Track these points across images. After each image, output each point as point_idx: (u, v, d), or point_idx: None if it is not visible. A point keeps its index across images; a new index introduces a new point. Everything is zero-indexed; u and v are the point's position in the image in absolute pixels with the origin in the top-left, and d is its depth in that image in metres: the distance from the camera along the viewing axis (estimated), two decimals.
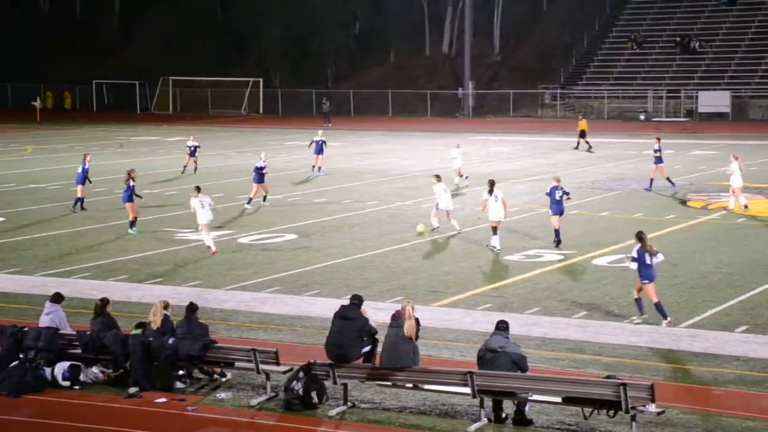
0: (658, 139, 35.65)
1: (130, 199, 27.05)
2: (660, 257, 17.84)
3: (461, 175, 36.58)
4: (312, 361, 14.34)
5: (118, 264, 23.12)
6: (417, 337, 13.96)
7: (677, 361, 16.03)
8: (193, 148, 39.34)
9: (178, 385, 14.84)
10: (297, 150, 50.75)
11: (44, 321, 15.69)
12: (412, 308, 14.01)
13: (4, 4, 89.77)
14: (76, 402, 14.26)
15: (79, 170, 31.28)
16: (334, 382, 14.12)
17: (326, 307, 18.47)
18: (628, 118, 68.63)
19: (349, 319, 14.32)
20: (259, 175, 31.80)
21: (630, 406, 12.60)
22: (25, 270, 22.38)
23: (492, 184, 25.01)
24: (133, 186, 27.05)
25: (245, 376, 15.10)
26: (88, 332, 15.37)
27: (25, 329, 15.47)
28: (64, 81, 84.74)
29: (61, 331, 15.58)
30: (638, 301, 18.04)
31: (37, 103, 73.11)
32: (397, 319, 13.95)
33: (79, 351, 15.27)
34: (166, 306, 15.40)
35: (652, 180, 35.09)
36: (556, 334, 17.39)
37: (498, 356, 13.44)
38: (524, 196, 33.93)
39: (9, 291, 20.48)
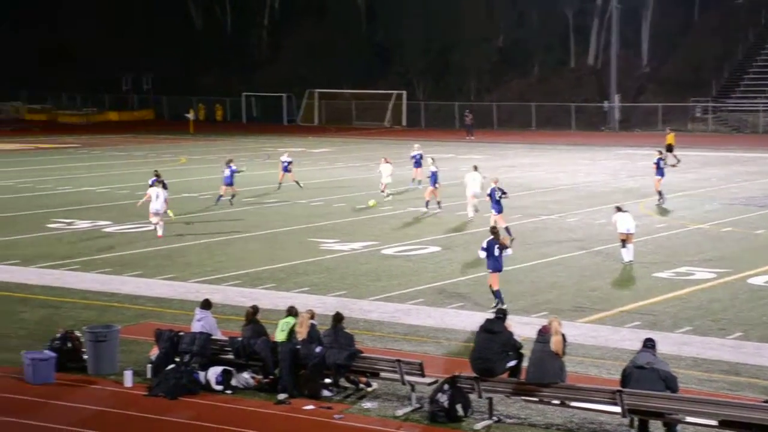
0: None
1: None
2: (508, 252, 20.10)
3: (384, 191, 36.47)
4: (457, 373, 14.38)
5: (266, 273, 23.68)
6: (564, 353, 13.83)
7: None
8: (286, 164, 39.18)
9: (325, 393, 15.10)
10: (440, 163, 50.84)
11: (196, 327, 16.22)
12: (559, 324, 13.89)
13: (161, 22, 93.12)
14: (229, 406, 14.67)
15: (227, 173, 34.27)
16: (479, 396, 14.11)
17: (470, 320, 18.51)
18: None
19: (495, 332, 14.29)
20: (434, 178, 33.62)
21: None
22: (180, 276, 23.16)
23: (619, 208, 25.00)
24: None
25: (390, 387, 15.25)
26: (240, 338, 15.81)
27: (181, 334, 16.03)
28: (215, 93, 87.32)
29: (213, 337, 16.08)
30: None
31: (190, 115, 75.57)
32: (544, 334, 13.86)
33: (230, 356, 15.72)
34: (312, 315, 15.70)
35: None
36: (708, 354, 16.93)
37: (645, 373, 13.17)
38: (674, 212, 33.16)
39: (165, 296, 21.23)
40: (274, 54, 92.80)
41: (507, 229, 27.26)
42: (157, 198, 28.15)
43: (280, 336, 15.50)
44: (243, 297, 20.90)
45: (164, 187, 28.81)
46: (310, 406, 14.59)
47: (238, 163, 37.04)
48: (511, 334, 14.43)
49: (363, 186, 40.70)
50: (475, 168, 32.96)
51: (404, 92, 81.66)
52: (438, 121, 79.17)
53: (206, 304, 16.55)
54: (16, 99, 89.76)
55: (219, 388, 15.24)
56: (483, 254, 19.99)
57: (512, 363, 14.27)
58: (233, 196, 35.15)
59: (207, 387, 15.26)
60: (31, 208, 33.54)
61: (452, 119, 78.60)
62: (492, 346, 14.15)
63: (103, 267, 23.98)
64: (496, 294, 20.02)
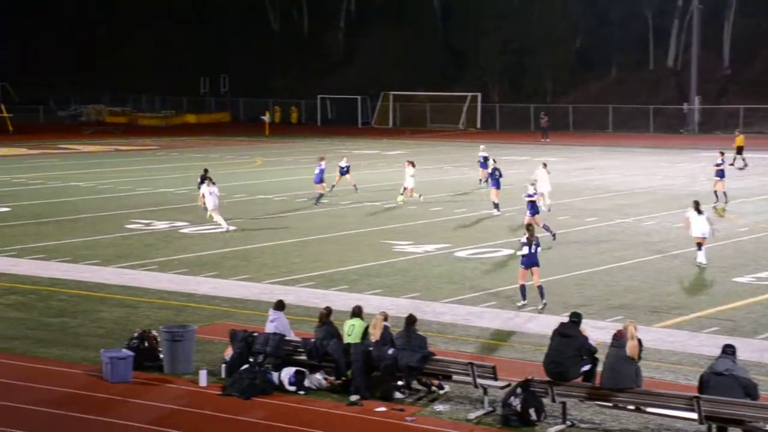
0: None
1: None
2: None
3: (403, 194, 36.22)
4: (530, 377, 14.27)
5: (339, 274, 23.77)
6: (639, 358, 13.64)
7: None
8: (344, 169, 38.86)
9: (397, 395, 15.10)
10: (515, 165, 50.66)
11: (269, 327, 16.35)
12: (635, 328, 13.71)
13: (239, 25, 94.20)
14: (301, 407, 14.76)
15: (317, 171, 35.53)
16: (553, 400, 13.99)
17: (544, 324, 18.37)
18: None
19: (569, 336, 14.16)
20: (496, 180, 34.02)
21: None
22: (254, 277, 23.37)
23: (697, 204, 24.74)
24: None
25: (463, 390, 15.19)
26: (313, 339, 15.89)
27: (255, 334, 16.17)
28: (291, 96, 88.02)
29: (286, 338, 16.19)
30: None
31: (266, 117, 76.28)
32: (619, 338, 13.68)
33: (303, 357, 15.81)
34: (385, 317, 15.71)
35: None
36: None
37: (724, 380, 12.92)
38: (754, 216, 32.49)
39: (239, 297, 21.44)
40: (350, 56, 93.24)
41: (546, 227, 27.69)
42: (211, 194, 29.51)
43: (346, 338, 15.53)
44: (316, 298, 21.02)
45: (213, 183, 30.11)
46: (382, 408, 14.61)
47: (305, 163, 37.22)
48: (585, 338, 14.28)
49: (436, 188, 40.65)
50: (545, 165, 33.74)
51: (479, 94, 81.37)
52: (513, 123, 78.70)
53: (280, 305, 16.67)
54: (98, 102, 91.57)
55: (292, 388, 15.34)
56: (526, 249, 20.42)
57: (586, 367, 14.12)
58: (321, 195, 35.56)
59: (280, 387, 15.37)
60: (111, 209, 34.18)
61: (527, 121, 78.07)
62: (566, 350, 14.02)
63: (179, 267, 24.32)
64: (523, 288, 20.51)
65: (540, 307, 20.22)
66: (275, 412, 14.55)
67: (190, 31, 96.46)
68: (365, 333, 15.59)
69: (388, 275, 23.66)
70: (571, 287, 22.39)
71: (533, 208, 28.02)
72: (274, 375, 15.52)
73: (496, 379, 14.53)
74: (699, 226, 24.20)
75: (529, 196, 28.52)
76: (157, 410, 14.58)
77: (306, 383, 15.44)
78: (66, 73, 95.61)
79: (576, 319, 14.53)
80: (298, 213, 33.94)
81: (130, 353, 16.01)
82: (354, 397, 14.96)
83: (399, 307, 19.90)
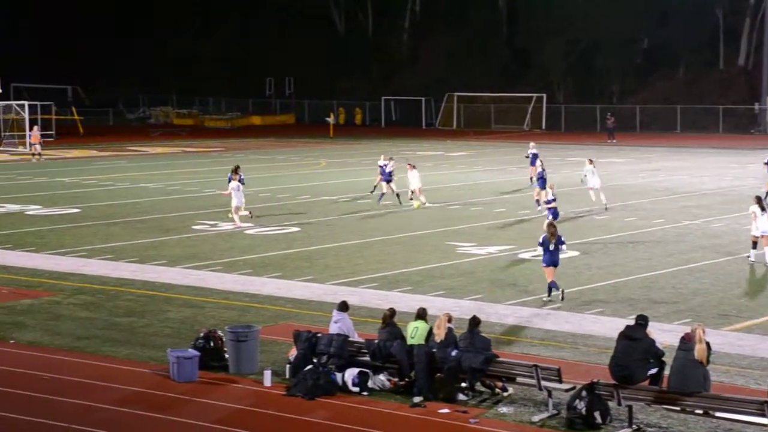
0: None
1: None
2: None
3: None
4: (595, 380, 14.12)
5: (403, 275, 23.76)
6: (708, 361, 13.42)
7: None
8: (384, 168, 37.93)
9: (461, 397, 15.05)
10: (578, 166, 50.22)
11: (333, 328, 16.40)
12: (703, 331, 13.50)
13: (304, 28, 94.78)
14: (365, 408, 14.77)
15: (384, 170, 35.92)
16: (619, 404, 13.83)
17: (609, 327, 18.17)
18: None
19: (635, 339, 13.99)
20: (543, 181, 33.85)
21: None
22: (318, 278, 23.48)
23: (759, 199, 25.27)
24: None
25: (527, 392, 15.08)
26: (376, 341, 15.91)
27: (318, 335, 16.23)
28: (355, 97, 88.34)
29: (350, 339, 16.23)
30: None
31: (331, 119, 76.64)
32: (687, 342, 13.48)
33: (367, 358, 15.83)
34: (449, 319, 15.68)
35: None
36: None
37: None
38: None
39: (303, 298, 21.55)
40: (415, 57, 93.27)
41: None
42: (238, 189, 30.51)
43: (410, 339, 15.52)
44: (380, 299, 21.03)
45: (241, 182, 31.13)
46: (446, 410, 14.57)
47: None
48: (652, 341, 14.10)
49: (500, 189, 40.46)
50: (591, 161, 34.71)
51: (544, 95, 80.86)
52: (578, 124, 78.06)
53: (343, 306, 16.72)
54: (166, 104, 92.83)
55: (355, 389, 15.37)
56: (540, 249, 21.13)
57: (653, 370, 13.94)
58: (383, 194, 35.68)
59: (344, 388, 15.40)
60: (178, 210, 34.60)
61: (593, 122, 77.36)
62: (632, 353, 13.86)
63: (244, 268, 24.51)
64: (551, 284, 20.91)
65: (545, 298, 20.90)
66: (339, 412, 14.59)
67: (255, 34, 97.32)
68: (429, 335, 15.57)
69: (452, 277, 23.60)
70: (638, 289, 22.11)
71: (554, 214, 27.98)
72: (338, 376, 15.56)
73: (560, 381, 14.40)
74: (762, 223, 23.92)
75: (548, 202, 28.62)
76: (222, 410, 14.71)
77: (369, 384, 15.46)
78: (135, 76, 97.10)
79: (642, 321, 14.34)
80: (362, 214, 34.02)
81: (196, 353, 16.16)
82: (417, 399, 14.94)
83: (462, 308, 19.84)
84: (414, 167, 36.02)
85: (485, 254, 26.41)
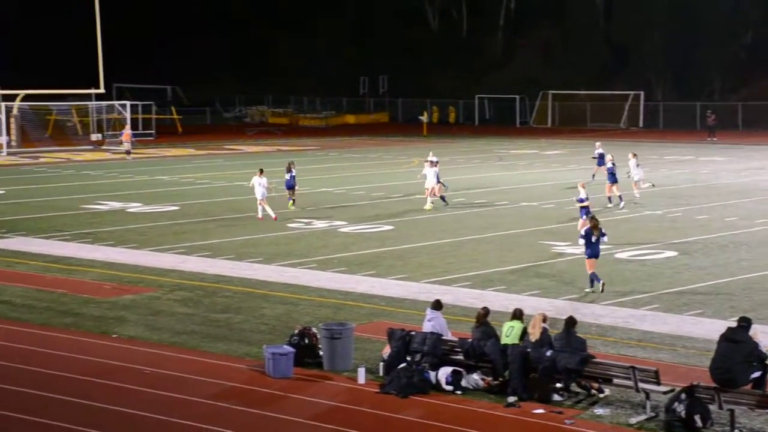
0: None
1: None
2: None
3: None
4: (695, 383, 13.83)
5: (496, 275, 23.63)
6: None
7: None
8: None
9: (556, 397, 14.90)
10: (676, 165, 49.37)
11: (427, 327, 16.40)
12: None
13: (398, 26, 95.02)
14: (458, 407, 14.74)
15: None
16: (720, 407, 13.53)
17: (709, 329, 17.81)
18: None
19: (737, 342, 13.67)
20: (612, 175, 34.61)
21: None
22: (412, 276, 23.49)
23: None
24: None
25: (623, 394, 14.86)
26: (470, 340, 15.86)
27: (412, 333, 16.25)
28: (449, 96, 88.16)
29: (443, 337, 16.21)
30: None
31: (424, 117, 76.62)
32: None
33: (460, 357, 15.79)
34: (544, 319, 15.54)
35: None
36: None
37: None
38: None
39: (396, 296, 21.59)
40: (509, 55, 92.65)
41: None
42: (260, 185, 31.92)
43: (504, 339, 15.43)
44: (473, 298, 20.96)
45: (261, 174, 32.44)
46: (540, 410, 14.45)
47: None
48: (756, 344, 13.78)
49: (595, 190, 39.94)
50: (634, 155, 36.32)
51: (642, 92, 79.51)
52: (677, 122, 76.49)
53: (437, 305, 16.71)
54: (261, 103, 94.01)
55: (449, 388, 15.34)
56: (582, 241, 21.65)
57: (757, 374, 13.62)
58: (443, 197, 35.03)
59: (437, 387, 15.39)
60: (273, 209, 34.96)
61: (693, 120, 75.77)
62: (734, 355, 13.55)
63: (338, 266, 24.68)
64: (593, 276, 21.50)
65: (587, 289, 21.48)
66: (432, 411, 14.58)
67: (349, 33, 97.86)
68: (523, 334, 15.47)
69: (546, 276, 23.38)
70: (739, 291, 21.61)
71: (586, 212, 27.40)
72: (431, 374, 15.55)
73: (659, 383, 14.16)
74: None
75: (581, 201, 28.01)
76: (316, 406, 14.84)
77: (463, 383, 15.42)
78: (231, 76, 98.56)
79: (745, 323, 14.02)
80: (455, 213, 33.92)
81: (291, 350, 16.33)
82: (511, 399, 14.84)
83: (557, 308, 19.65)
84: (434, 165, 34.86)
85: (580, 254, 26.01)
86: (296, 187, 35.03)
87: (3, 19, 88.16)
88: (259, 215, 31.90)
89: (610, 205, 34.15)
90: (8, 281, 23.02)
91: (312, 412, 14.53)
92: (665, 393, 14.05)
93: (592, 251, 21.52)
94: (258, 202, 32.11)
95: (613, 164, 35.18)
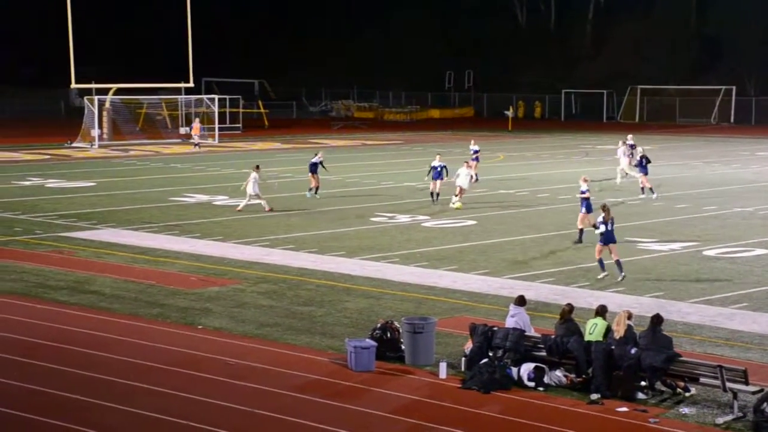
0: None
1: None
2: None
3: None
4: None
5: (580, 271, 23.38)
6: None
7: None
8: (438, 170, 35.06)
9: (640, 395, 14.70)
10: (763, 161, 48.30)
11: (510, 323, 16.30)
12: None
13: (486, 20, 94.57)
14: (540, 403, 14.63)
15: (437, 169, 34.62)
16: None
17: None
18: None
19: None
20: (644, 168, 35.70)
21: None
22: (494, 272, 23.38)
23: None
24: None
25: (710, 393, 14.59)
26: (553, 336, 15.72)
27: (494, 329, 16.17)
28: (536, 90, 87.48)
29: (526, 333, 16.09)
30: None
31: (509, 112, 76.18)
32: None
33: (543, 354, 15.66)
34: (629, 316, 15.33)
35: None
36: None
37: None
38: None
39: (479, 291, 21.50)
40: (598, 49, 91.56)
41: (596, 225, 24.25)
42: (254, 181, 32.62)
43: (588, 336, 15.25)
44: (556, 295, 20.77)
45: (257, 169, 33.15)
46: (624, 408, 14.26)
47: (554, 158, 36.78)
48: None
49: (681, 185, 39.22)
50: (625, 142, 38.06)
51: (733, 87, 77.83)
52: None
53: (521, 301, 16.60)
54: (347, 97, 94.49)
55: (531, 384, 15.24)
56: (603, 227, 22.14)
57: None
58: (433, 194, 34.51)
59: (519, 383, 15.30)
60: (357, 203, 35.14)
61: None
62: None
63: (420, 260, 24.67)
64: (615, 263, 22.05)
65: (619, 279, 21.74)
66: (514, 407, 14.50)
67: (437, 26, 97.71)
68: (607, 331, 15.29)
69: (632, 273, 23.01)
70: None
71: (587, 206, 27.08)
72: (513, 370, 15.46)
73: (747, 383, 13.86)
74: None
75: (582, 192, 27.45)
76: (398, 400, 14.86)
77: (545, 380, 15.30)
78: (318, 69, 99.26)
79: None
80: (540, 209, 33.65)
81: (374, 343, 16.37)
82: (595, 396, 14.68)
83: (642, 305, 19.37)
84: (470, 165, 35.01)
85: (667, 251, 25.68)
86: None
87: (99, 15, 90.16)
88: (240, 207, 32.57)
89: (642, 196, 35.18)
90: (98, 272, 23.55)
91: (393, 406, 14.56)
92: (753, 393, 13.76)
93: (607, 238, 22.15)
94: (250, 196, 32.59)
95: (643, 157, 36.14)
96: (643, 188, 35.83)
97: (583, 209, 27.20)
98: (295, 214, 32.56)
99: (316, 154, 36.94)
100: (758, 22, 78.70)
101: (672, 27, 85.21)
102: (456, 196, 33.63)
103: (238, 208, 32.68)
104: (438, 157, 35.97)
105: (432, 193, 34.74)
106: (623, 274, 21.90)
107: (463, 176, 33.75)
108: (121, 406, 14.48)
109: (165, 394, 15.01)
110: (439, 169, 34.68)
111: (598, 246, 22.35)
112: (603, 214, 22.30)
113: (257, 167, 33.51)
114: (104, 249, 26.44)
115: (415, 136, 68.09)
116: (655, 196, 35.10)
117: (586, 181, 28.05)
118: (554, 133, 70.40)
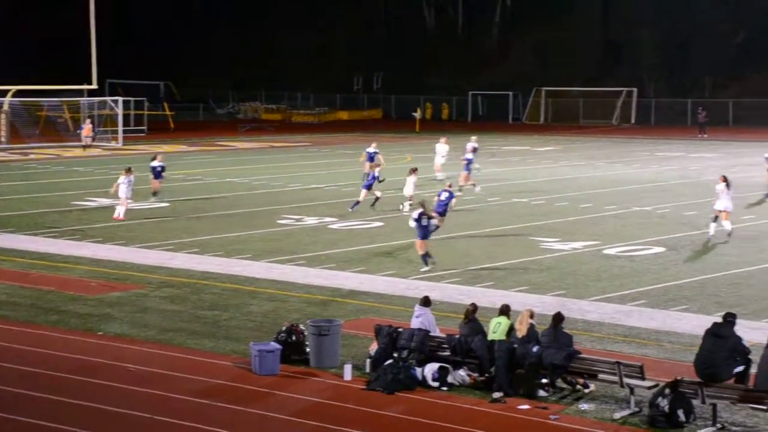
0: None
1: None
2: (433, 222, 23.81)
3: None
4: (679, 378, 13.86)
5: (485, 271, 23.64)
6: None
7: None
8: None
9: (541, 393, 14.92)
10: (666, 161, 49.50)
11: (415, 323, 16.39)
12: None
13: (394, 23, 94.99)
14: (444, 403, 14.74)
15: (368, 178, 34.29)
16: (703, 402, 13.56)
17: (695, 324, 17.89)
18: None
19: (722, 337, 13.71)
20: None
21: None
22: (400, 273, 23.48)
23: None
24: None
25: (608, 389, 14.89)
26: (457, 336, 15.86)
27: (400, 330, 16.24)
28: (443, 93, 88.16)
29: (431, 334, 16.20)
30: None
31: (417, 114, 76.60)
32: None
33: (447, 353, 15.79)
34: (532, 315, 15.55)
35: None
36: None
37: None
38: None
39: (385, 292, 21.58)
40: (504, 52, 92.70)
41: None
42: (127, 183, 31.69)
43: (491, 335, 15.44)
44: (461, 295, 20.96)
45: (131, 174, 32.18)
46: (526, 406, 14.46)
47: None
48: (739, 338, 13.81)
49: (587, 185, 39.95)
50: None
51: (635, 89, 79.65)
52: (669, 118, 76.77)
53: (426, 301, 16.72)
54: (254, 100, 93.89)
55: (435, 384, 15.35)
56: (413, 224, 23.54)
57: (740, 368, 13.65)
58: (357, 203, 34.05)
59: (423, 383, 15.39)
60: (264, 205, 34.95)
61: (684, 117, 75.95)
62: (719, 350, 13.60)
63: (327, 263, 24.65)
64: (423, 257, 23.32)
65: (426, 269, 23.15)
66: (417, 407, 14.58)
67: (344, 29, 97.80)
68: (510, 330, 15.48)
69: (535, 272, 23.40)
70: (726, 286, 21.67)
71: (446, 203, 27.07)
72: (418, 370, 15.55)
73: (643, 378, 14.19)
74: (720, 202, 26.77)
75: (439, 200, 27.21)
76: (301, 403, 14.82)
77: (449, 379, 15.43)
78: (224, 72, 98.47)
79: (731, 319, 14.06)
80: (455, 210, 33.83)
81: (278, 346, 16.30)
82: (497, 394, 14.85)
83: (545, 304, 19.66)
84: (414, 172, 33.75)
85: (569, 250, 26.13)
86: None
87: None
88: (121, 215, 31.30)
89: (459, 193, 34.49)
90: None
91: (296, 409, 14.53)
92: (650, 388, 14.08)
93: (423, 233, 23.38)
94: (122, 201, 31.55)
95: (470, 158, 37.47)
96: (461, 187, 36.07)
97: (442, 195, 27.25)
98: (201, 218, 32.20)
99: (154, 158, 36.27)
100: (656, 27, 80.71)
101: (576, 31, 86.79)
102: (408, 202, 33.01)
103: (119, 216, 31.29)
104: (374, 144, 39.38)
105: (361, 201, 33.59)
106: (428, 269, 23.17)
107: (409, 185, 33.59)
108: (17, 417, 14.08)
109: (64, 403, 14.68)
110: (372, 154, 37.70)
111: (418, 241, 23.58)
112: (421, 210, 23.47)
113: (129, 170, 32.33)
114: (0, 255, 25.78)
115: (323, 138, 68.00)
116: (477, 189, 36.59)
117: (450, 186, 28.13)
118: (461, 134, 70.97)
